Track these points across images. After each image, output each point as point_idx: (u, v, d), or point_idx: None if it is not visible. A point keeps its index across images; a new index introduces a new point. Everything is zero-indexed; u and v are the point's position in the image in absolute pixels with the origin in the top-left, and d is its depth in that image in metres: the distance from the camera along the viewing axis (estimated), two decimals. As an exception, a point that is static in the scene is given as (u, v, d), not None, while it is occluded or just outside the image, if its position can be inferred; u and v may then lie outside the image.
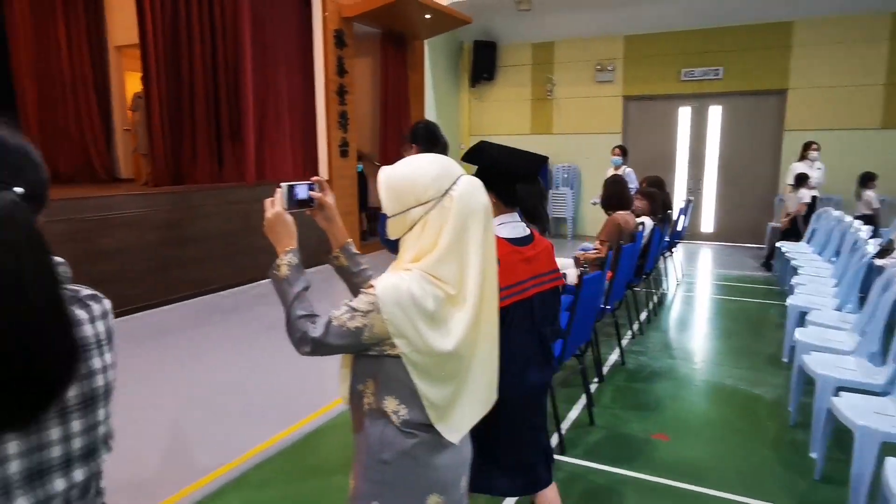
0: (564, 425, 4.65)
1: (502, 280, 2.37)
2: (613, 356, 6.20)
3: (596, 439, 4.52)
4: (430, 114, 12.77)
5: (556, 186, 13.72)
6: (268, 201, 1.98)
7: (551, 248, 2.84)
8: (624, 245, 5.66)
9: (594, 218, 13.15)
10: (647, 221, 6.67)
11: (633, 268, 6.17)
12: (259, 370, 5.83)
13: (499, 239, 2.58)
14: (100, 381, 1.40)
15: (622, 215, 5.95)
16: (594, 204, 8.93)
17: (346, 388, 2.01)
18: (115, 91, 12.52)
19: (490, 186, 2.29)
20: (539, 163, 2.77)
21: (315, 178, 2.12)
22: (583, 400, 5.10)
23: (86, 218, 7.12)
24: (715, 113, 12.95)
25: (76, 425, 1.34)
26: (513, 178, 2.68)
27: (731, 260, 11.38)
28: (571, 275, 4.51)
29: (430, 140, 3.67)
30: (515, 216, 2.75)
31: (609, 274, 5.16)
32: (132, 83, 12.53)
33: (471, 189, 1.83)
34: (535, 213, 2.93)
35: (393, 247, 1.94)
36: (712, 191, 13.14)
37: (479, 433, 2.33)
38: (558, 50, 13.47)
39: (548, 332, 2.79)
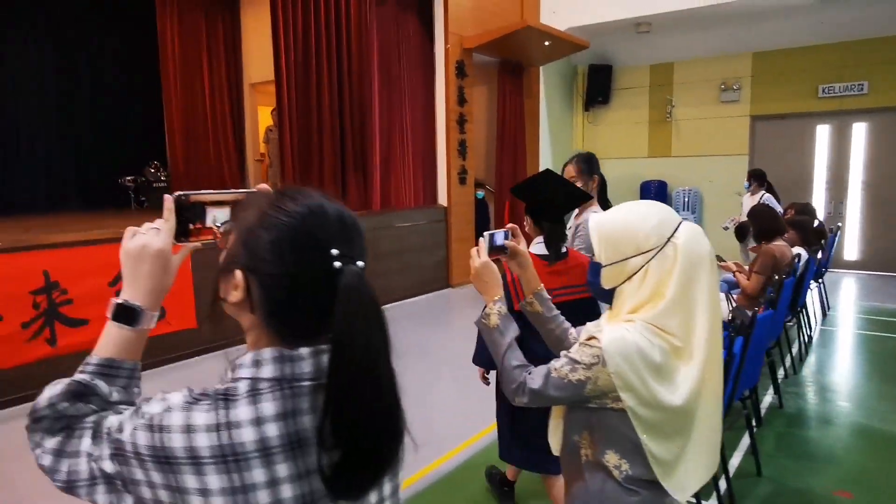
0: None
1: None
2: (768, 397, 5.95)
3: (768, 492, 4.29)
4: (545, 139, 12.79)
5: (676, 210, 12.94)
6: (473, 250, 1.98)
7: (587, 264, 2.87)
8: (779, 278, 5.45)
9: (717, 244, 12.68)
10: (802, 252, 6.45)
11: (788, 303, 5.99)
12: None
13: (531, 254, 3.04)
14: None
15: (778, 246, 5.74)
16: (726, 229, 8.75)
17: (557, 439, 2.01)
18: (249, 125, 13.28)
19: (533, 212, 3.22)
20: (580, 200, 3.37)
21: (509, 225, 2.11)
22: (743, 446, 4.88)
23: None
24: (859, 131, 12.34)
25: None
26: (558, 211, 3.26)
27: (880, 291, 10.79)
28: (723, 310, 4.50)
29: (593, 170, 3.97)
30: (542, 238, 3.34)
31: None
32: (263, 117, 13.31)
33: (695, 236, 1.78)
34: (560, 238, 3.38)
35: (604, 296, 1.90)
36: (856, 215, 12.52)
37: (514, 412, 3.25)
38: (678, 70, 13.27)
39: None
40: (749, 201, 8.75)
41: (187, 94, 12.76)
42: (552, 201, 3.25)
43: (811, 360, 7.12)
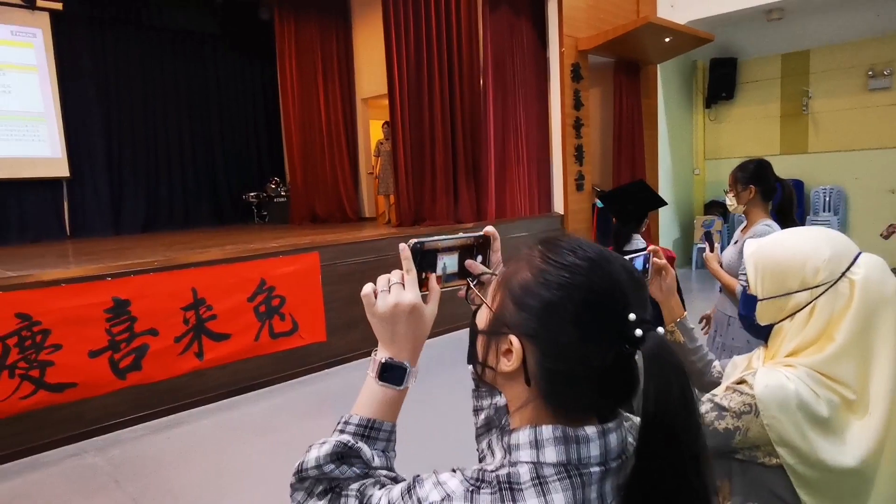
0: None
1: None
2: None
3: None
4: (663, 140, 12.29)
5: (814, 212, 12.11)
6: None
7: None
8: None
9: (875, 251, 11.38)
10: None
11: None
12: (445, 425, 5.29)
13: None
14: None
15: None
16: (885, 237, 7.84)
17: None
18: (361, 139, 13.73)
19: (624, 217, 3.90)
20: (656, 205, 4.21)
21: (652, 246, 2.00)
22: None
23: (364, 260, 7.53)
24: None
25: None
26: (628, 216, 4.01)
27: None
28: None
29: (764, 179, 3.65)
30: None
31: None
32: (374, 131, 13.73)
33: (877, 271, 1.57)
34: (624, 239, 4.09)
35: (758, 332, 1.72)
36: None
37: None
38: (815, 58, 12.19)
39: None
40: None
41: (304, 111, 13.30)
42: (624, 208, 3.96)
43: None
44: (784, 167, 12.25)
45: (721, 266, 3.43)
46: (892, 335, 1.51)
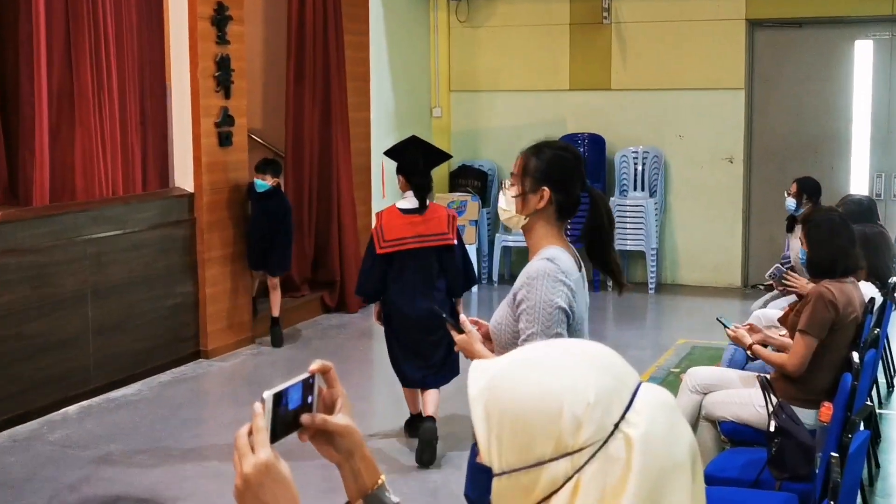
0: None
1: (389, 235, 5.09)
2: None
3: None
4: (378, 55, 9.96)
5: (620, 191, 10.19)
6: (241, 436, 1.37)
7: (445, 216, 5.26)
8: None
9: (704, 252, 10.38)
10: (874, 292, 5.53)
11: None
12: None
13: (392, 209, 5.24)
14: None
15: (837, 287, 4.74)
16: (763, 289, 7.64)
17: None
18: None
19: (403, 173, 5.32)
20: (441, 159, 5.93)
21: (316, 365, 1.50)
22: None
23: None
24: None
25: None
26: (420, 169, 5.34)
27: None
28: (754, 415, 4.38)
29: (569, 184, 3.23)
30: (411, 193, 5.24)
31: (827, 410, 4.18)
32: None
33: (664, 419, 1.23)
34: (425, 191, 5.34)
35: None
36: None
37: (401, 338, 5.25)
38: None
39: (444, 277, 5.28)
40: (795, 241, 6.78)
41: None
42: (417, 163, 5.31)
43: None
44: (576, 114, 10.83)
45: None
46: None
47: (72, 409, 6.11)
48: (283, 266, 7.36)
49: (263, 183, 7.33)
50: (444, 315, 3.15)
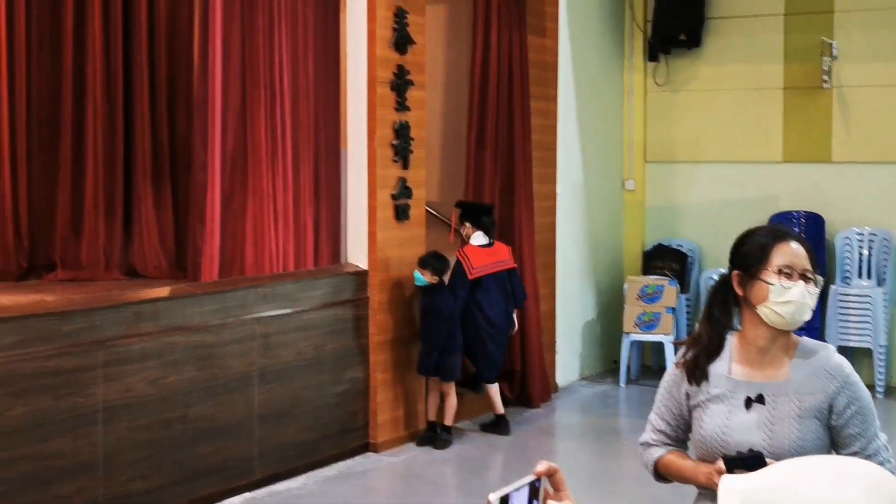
0: None
1: (476, 264, 7.33)
2: None
3: None
4: (569, 125, 10.17)
5: (842, 278, 9.92)
6: None
7: (507, 248, 7.70)
8: None
9: None
10: None
11: None
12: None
13: (470, 246, 7.46)
14: None
15: None
16: None
17: None
18: None
19: (470, 220, 7.63)
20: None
21: (542, 467, 1.62)
22: None
23: None
24: None
25: None
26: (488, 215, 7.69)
27: None
28: None
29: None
30: (480, 233, 7.53)
31: None
32: None
33: None
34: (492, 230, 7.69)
35: None
36: None
37: (493, 334, 7.49)
38: None
39: (511, 292, 7.63)
40: None
41: None
42: (484, 210, 7.74)
43: None
44: (790, 188, 10.77)
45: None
46: None
47: (235, 500, 6.26)
48: (452, 371, 7.38)
49: (421, 277, 7.45)
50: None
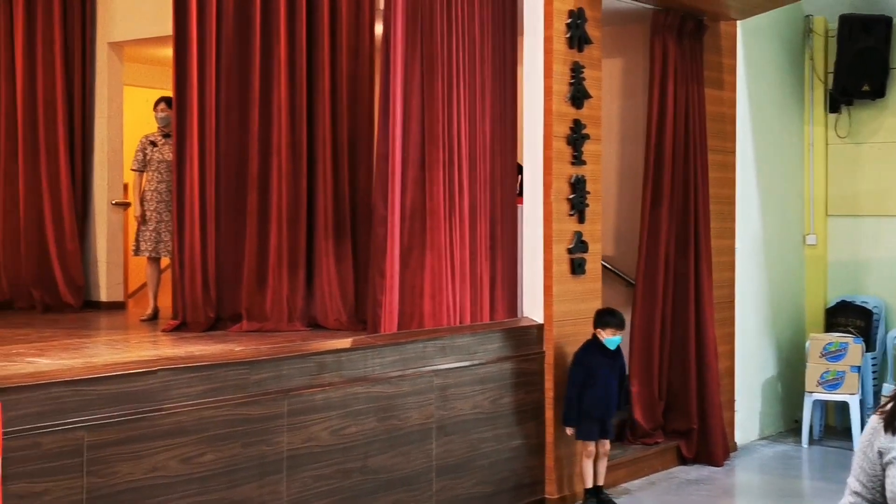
0: None
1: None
2: None
3: None
4: (748, 179, 10.09)
5: None
6: None
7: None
8: None
9: None
10: None
11: None
12: None
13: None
14: None
15: None
16: None
17: None
18: (104, 130, 11.31)
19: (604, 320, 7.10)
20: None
21: None
22: None
23: (110, 420, 5.72)
24: None
25: None
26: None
27: None
28: None
29: None
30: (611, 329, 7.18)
31: None
32: (137, 114, 11.20)
33: None
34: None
35: None
36: None
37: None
38: None
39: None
40: None
41: None
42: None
43: None
44: None
45: None
46: None
47: (412, 551, 6.20)
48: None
49: (615, 339, 7.29)
50: None
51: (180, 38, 8.08)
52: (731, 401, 9.11)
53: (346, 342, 6.44)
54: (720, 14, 9.52)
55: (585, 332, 7.63)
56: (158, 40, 9.78)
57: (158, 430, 5.08)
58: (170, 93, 8.56)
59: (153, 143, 9.07)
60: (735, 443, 8.93)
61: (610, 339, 7.32)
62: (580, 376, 6.97)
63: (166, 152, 8.79)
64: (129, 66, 11.03)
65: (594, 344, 7.21)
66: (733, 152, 9.64)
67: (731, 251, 9.34)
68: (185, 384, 5.20)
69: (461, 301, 7.42)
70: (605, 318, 7.40)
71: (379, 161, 7.55)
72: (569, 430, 6.99)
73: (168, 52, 8.64)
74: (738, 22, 9.91)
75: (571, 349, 7.58)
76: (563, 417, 7.05)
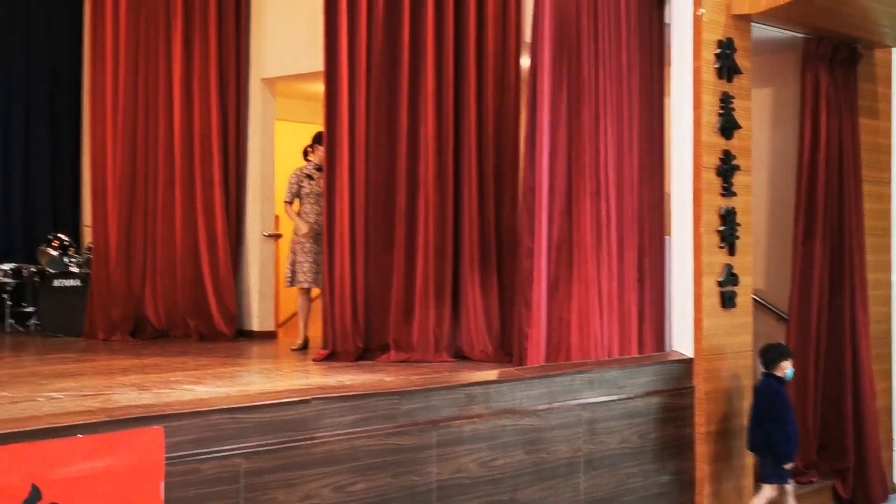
0: None
1: None
2: None
3: None
4: None
5: None
6: None
7: None
8: None
9: None
10: None
11: None
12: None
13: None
14: None
15: None
16: None
17: None
18: (257, 163, 11.58)
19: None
20: None
21: None
22: None
23: (266, 447, 5.68)
24: None
25: None
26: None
27: None
28: None
29: None
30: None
31: None
32: (288, 149, 11.43)
33: None
34: None
35: None
36: None
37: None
38: None
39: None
40: None
41: (130, 107, 10.59)
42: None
43: None
44: None
45: None
46: None
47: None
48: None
49: (793, 371, 7.04)
50: None
51: (331, 74, 8.15)
52: (890, 440, 8.75)
53: (493, 374, 6.39)
54: (875, 41, 9.23)
55: (735, 366, 7.45)
56: (310, 76, 9.88)
57: (311, 459, 5.11)
58: (321, 127, 8.65)
59: (309, 177, 9.20)
60: (894, 483, 8.55)
61: (791, 370, 7.11)
62: (788, 408, 6.76)
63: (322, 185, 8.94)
64: (281, 100, 11.18)
65: (774, 379, 6.98)
66: (888, 183, 9.32)
67: (888, 285, 9.02)
68: (338, 413, 5.22)
69: (609, 333, 7.31)
70: (783, 349, 7.19)
71: (525, 193, 7.50)
72: (788, 466, 6.76)
73: (319, 87, 8.70)
74: (894, 49, 9.58)
75: (722, 384, 7.37)
76: (784, 453, 6.72)
